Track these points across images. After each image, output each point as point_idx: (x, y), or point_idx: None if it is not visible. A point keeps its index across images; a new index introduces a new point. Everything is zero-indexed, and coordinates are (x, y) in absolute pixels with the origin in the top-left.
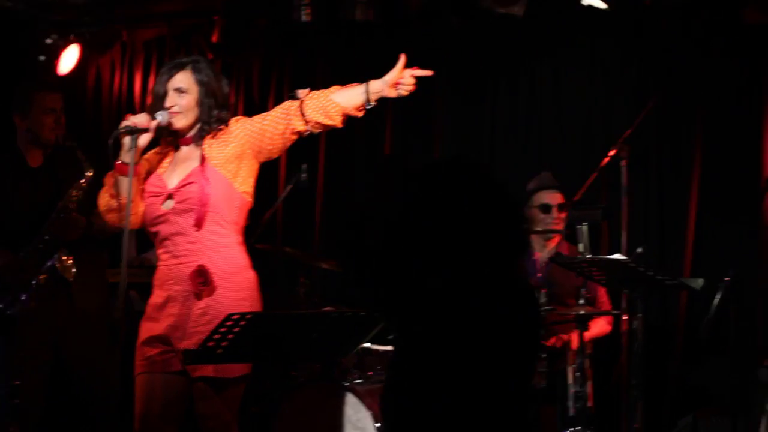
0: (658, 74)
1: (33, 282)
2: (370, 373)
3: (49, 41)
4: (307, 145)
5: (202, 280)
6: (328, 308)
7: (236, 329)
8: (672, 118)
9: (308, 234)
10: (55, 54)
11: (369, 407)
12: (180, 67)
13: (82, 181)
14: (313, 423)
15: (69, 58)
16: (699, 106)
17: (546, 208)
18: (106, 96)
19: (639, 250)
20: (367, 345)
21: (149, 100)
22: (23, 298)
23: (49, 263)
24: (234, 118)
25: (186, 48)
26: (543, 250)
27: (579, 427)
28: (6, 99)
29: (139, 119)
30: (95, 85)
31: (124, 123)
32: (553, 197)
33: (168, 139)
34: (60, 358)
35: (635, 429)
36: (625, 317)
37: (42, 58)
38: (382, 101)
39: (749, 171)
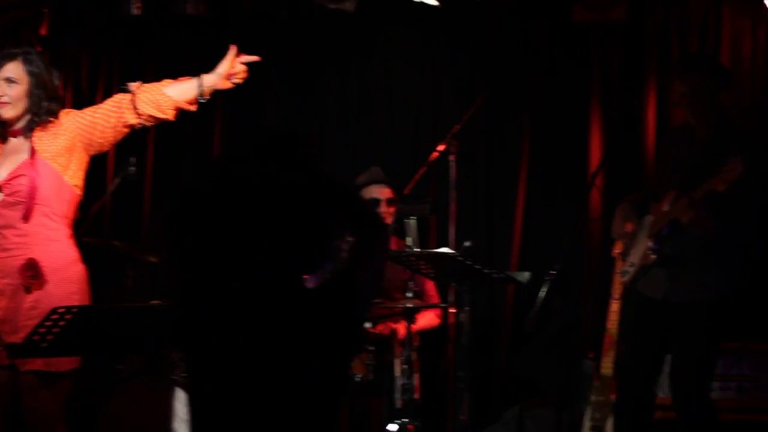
0: (487, 70)
1: None
2: None
3: None
4: (135, 138)
5: (31, 273)
6: (155, 301)
7: (62, 323)
8: (500, 114)
9: (136, 227)
10: None
11: None
12: (10, 58)
13: None
14: (140, 417)
15: None
16: (527, 102)
17: (375, 203)
18: None
19: (467, 243)
20: None
21: None
22: None
23: None
24: (64, 111)
25: (14, 40)
26: None
27: (406, 419)
28: None
29: None
30: None
31: None
32: (382, 191)
33: None
34: None
35: (461, 421)
36: (452, 310)
37: None
38: (213, 94)
39: (576, 166)
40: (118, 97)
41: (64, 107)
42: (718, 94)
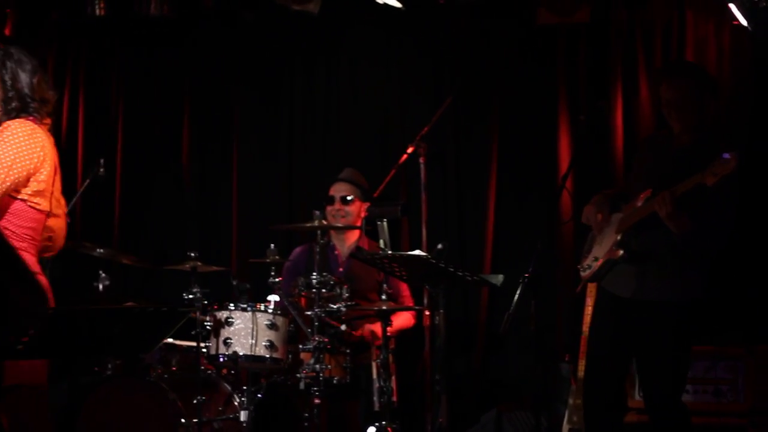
0: (453, 72)
1: None
2: (174, 368)
3: None
4: (104, 139)
5: None
6: (129, 303)
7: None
8: (469, 116)
9: (107, 229)
10: None
11: (173, 403)
12: None
13: None
14: (117, 418)
15: None
16: (495, 104)
17: (329, 200)
18: None
19: (440, 246)
20: (169, 340)
21: None
22: None
23: None
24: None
25: None
26: (342, 245)
27: (384, 422)
28: None
29: None
30: None
31: None
32: (337, 189)
33: None
34: None
35: (440, 423)
36: (427, 313)
37: None
38: (179, 96)
39: (546, 168)
40: None
41: (51, 113)
42: (704, 101)
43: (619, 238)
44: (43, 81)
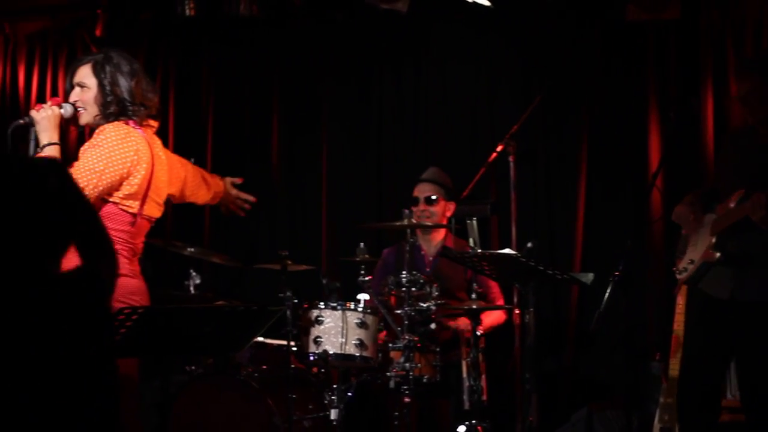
0: (543, 70)
1: None
2: (264, 367)
3: None
4: (194, 138)
5: None
6: (219, 302)
7: (128, 323)
8: (558, 114)
9: (198, 228)
10: None
11: (264, 401)
12: (82, 63)
13: None
14: (208, 417)
15: None
16: (585, 101)
17: (414, 201)
18: None
19: (529, 244)
20: (260, 339)
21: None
22: None
23: None
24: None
25: (69, 42)
26: (429, 245)
27: (474, 421)
28: None
29: (43, 113)
30: None
31: (31, 113)
32: (421, 189)
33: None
34: None
35: (530, 422)
36: (517, 311)
37: None
38: (268, 95)
39: (636, 165)
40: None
41: (155, 114)
42: None
43: (714, 240)
44: (144, 84)
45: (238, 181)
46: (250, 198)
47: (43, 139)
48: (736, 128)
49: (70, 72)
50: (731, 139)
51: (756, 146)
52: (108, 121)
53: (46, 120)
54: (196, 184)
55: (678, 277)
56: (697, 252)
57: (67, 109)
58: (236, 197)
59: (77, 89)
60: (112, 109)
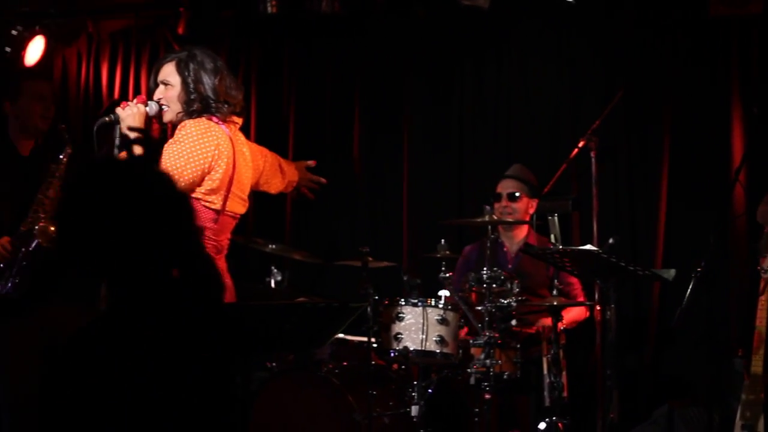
0: (625, 65)
1: (24, 263)
2: (345, 363)
3: (14, 32)
4: (276, 135)
5: None
6: (301, 299)
7: None
8: (640, 109)
9: (279, 224)
10: (20, 45)
11: (344, 397)
12: (167, 60)
13: (62, 156)
14: (289, 413)
15: (35, 50)
16: (667, 96)
17: (497, 197)
18: (73, 87)
19: (611, 240)
20: (341, 335)
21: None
22: (17, 281)
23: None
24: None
25: (152, 40)
26: (511, 242)
27: (554, 418)
28: None
29: (128, 111)
30: (62, 76)
31: (117, 111)
32: (504, 186)
33: None
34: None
35: (611, 419)
36: (598, 307)
37: (8, 49)
38: (350, 91)
39: (719, 161)
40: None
41: (239, 111)
42: None
43: None
44: (228, 81)
45: (311, 164)
46: (322, 180)
47: (130, 137)
48: None
49: (155, 70)
50: None
51: None
52: (191, 119)
53: (131, 117)
54: (271, 173)
55: (763, 276)
56: None
57: (152, 107)
58: (308, 180)
59: (161, 87)
60: (195, 106)
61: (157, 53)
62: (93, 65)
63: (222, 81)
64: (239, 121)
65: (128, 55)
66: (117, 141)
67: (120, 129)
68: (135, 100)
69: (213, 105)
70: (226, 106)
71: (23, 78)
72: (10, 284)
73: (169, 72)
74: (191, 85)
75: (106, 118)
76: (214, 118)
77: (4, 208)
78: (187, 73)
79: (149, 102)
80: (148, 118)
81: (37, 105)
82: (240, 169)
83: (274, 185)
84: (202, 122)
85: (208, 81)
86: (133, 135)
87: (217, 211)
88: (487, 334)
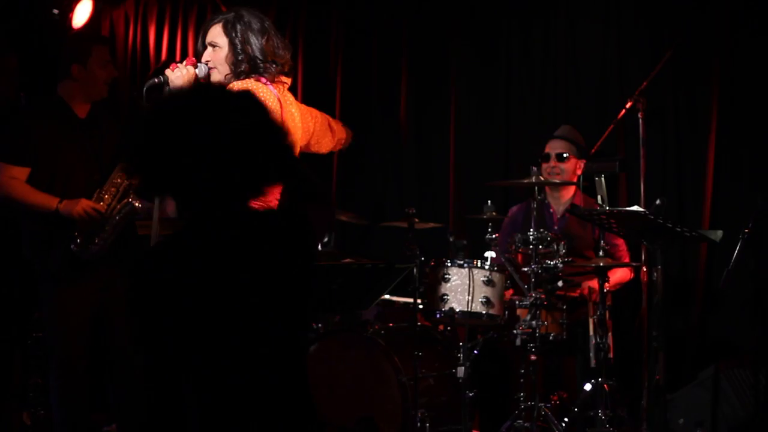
0: (673, 26)
1: (106, 227)
2: (391, 324)
3: None
4: (323, 95)
5: None
6: (347, 260)
7: None
8: (688, 70)
9: (326, 186)
10: (68, 7)
11: (390, 358)
12: (214, 23)
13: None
14: (335, 374)
15: (82, 12)
16: (716, 56)
17: (545, 157)
18: (120, 49)
19: (658, 202)
20: (387, 296)
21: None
22: (97, 242)
23: (121, 207)
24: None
25: (199, 1)
26: (557, 203)
27: (600, 379)
28: (23, 54)
29: (178, 72)
30: (109, 38)
31: (166, 73)
32: (553, 146)
33: None
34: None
35: (657, 381)
36: (644, 269)
37: (56, 11)
38: (397, 52)
39: (766, 123)
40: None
41: (287, 71)
42: None
43: None
44: (275, 41)
45: None
46: None
47: None
48: None
49: (202, 32)
50: None
51: None
52: (239, 80)
53: (180, 80)
54: (321, 133)
55: None
56: None
57: (201, 69)
58: None
59: (209, 49)
60: (243, 67)
61: (204, 15)
62: (141, 27)
63: (269, 41)
64: (288, 81)
65: (175, 17)
66: None
67: (168, 91)
68: (185, 62)
69: (261, 65)
70: (274, 66)
71: (92, 42)
72: (97, 246)
73: (216, 33)
74: (239, 46)
75: (155, 80)
76: (263, 79)
77: (79, 170)
78: (234, 34)
79: (198, 64)
80: (198, 80)
81: (103, 71)
82: (289, 129)
83: (325, 145)
84: (251, 83)
85: (255, 41)
86: None
87: None
88: (533, 295)
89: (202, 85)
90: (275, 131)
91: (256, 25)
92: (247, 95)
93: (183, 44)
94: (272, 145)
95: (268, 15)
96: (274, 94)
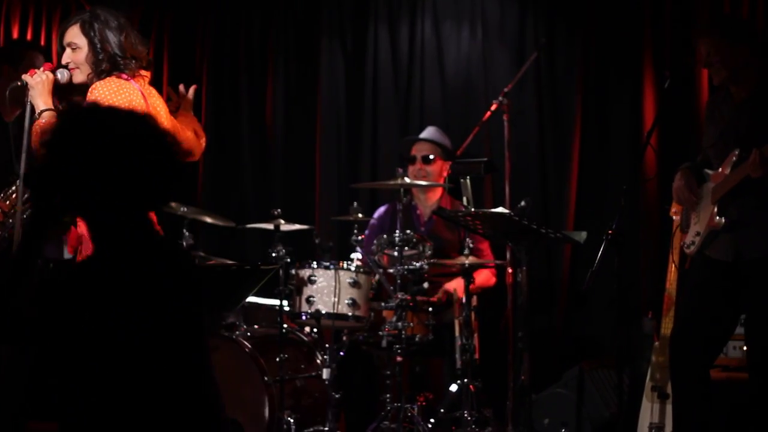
0: (538, 28)
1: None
2: (257, 326)
3: None
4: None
5: None
6: (212, 262)
7: None
8: (553, 72)
9: (191, 187)
10: None
11: (255, 360)
12: (70, 24)
13: None
14: None
15: None
16: (579, 58)
17: (411, 160)
18: None
19: (522, 203)
20: (252, 299)
21: None
22: None
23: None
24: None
25: (63, 2)
26: (424, 206)
27: (466, 380)
28: None
29: (37, 78)
30: None
31: (24, 78)
32: (418, 148)
33: None
34: None
35: (522, 381)
36: (509, 270)
37: None
38: (264, 52)
39: (630, 124)
40: None
41: (146, 65)
42: (744, 51)
43: (716, 208)
44: (133, 37)
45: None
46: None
47: (39, 105)
48: (713, 96)
49: (60, 34)
50: (710, 105)
51: (734, 106)
52: (100, 79)
53: (40, 85)
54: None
55: (687, 251)
56: (702, 223)
57: (63, 74)
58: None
59: (68, 50)
60: (104, 66)
61: (68, 15)
62: (3, 27)
63: (127, 37)
64: (147, 74)
65: (39, 17)
66: (27, 107)
67: (30, 96)
68: (42, 68)
69: (121, 62)
70: (133, 61)
71: (26, 47)
72: None
73: (74, 34)
74: (98, 45)
75: (18, 83)
76: (124, 75)
77: None
78: (93, 34)
79: (60, 69)
80: (57, 84)
81: None
82: (157, 119)
83: (197, 152)
84: (113, 81)
85: (113, 39)
86: (41, 103)
87: None
88: (399, 296)
89: (74, 109)
90: (155, 133)
91: (114, 23)
92: (113, 111)
93: (47, 45)
94: (155, 144)
95: (133, 14)
96: (137, 89)
